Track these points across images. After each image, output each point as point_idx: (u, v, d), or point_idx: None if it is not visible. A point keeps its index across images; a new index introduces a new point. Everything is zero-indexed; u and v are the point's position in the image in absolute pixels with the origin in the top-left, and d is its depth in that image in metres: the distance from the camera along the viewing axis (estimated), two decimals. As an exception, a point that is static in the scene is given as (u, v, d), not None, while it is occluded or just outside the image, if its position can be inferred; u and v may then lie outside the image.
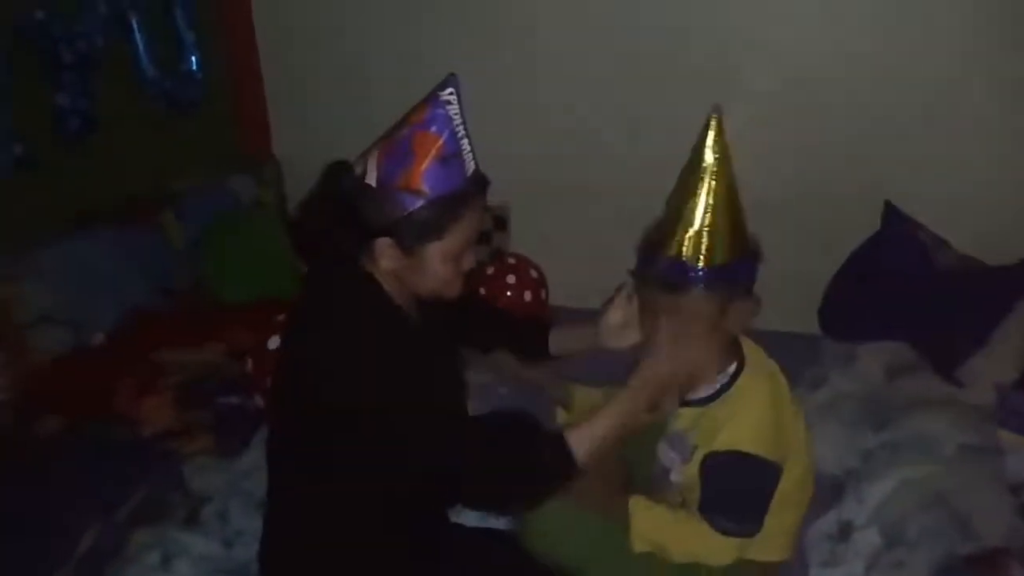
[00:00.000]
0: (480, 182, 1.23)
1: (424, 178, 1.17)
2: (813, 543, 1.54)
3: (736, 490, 1.31)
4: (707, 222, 1.25)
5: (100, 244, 2.15)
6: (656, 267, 1.29)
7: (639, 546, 1.33)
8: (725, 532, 1.29)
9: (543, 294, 2.45)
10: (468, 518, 1.57)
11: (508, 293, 2.39)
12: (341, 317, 1.23)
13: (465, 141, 1.20)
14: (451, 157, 1.18)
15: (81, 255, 2.10)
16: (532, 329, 1.57)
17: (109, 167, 2.23)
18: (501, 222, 2.61)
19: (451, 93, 1.18)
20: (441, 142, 1.17)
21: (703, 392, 1.37)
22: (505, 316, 1.63)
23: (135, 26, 2.24)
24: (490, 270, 2.44)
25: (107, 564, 1.56)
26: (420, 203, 1.17)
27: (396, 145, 1.19)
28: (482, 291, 2.42)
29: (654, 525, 1.34)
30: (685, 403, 1.37)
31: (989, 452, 1.54)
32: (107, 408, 1.92)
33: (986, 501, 1.46)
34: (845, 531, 1.54)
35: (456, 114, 1.18)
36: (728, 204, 1.26)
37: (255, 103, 2.70)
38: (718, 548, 1.31)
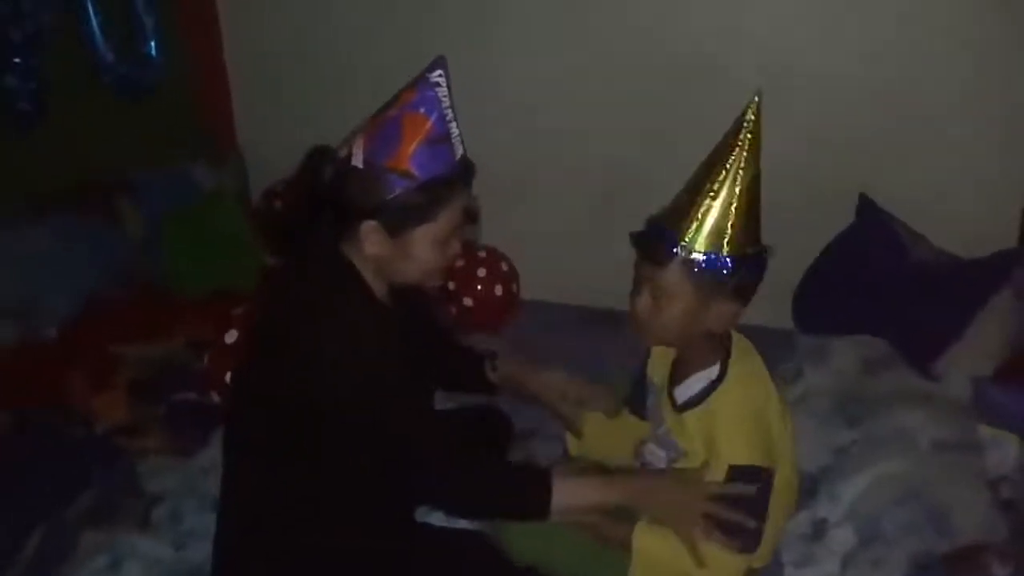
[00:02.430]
0: (468, 167, 1.21)
1: (412, 160, 1.14)
2: (786, 543, 1.50)
3: (737, 505, 1.25)
4: (709, 208, 1.20)
5: (51, 232, 2.07)
6: (647, 235, 1.26)
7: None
8: (725, 546, 1.25)
9: (514, 288, 2.41)
10: (434, 518, 1.52)
11: (479, 287, 2.35)
12: (320, 310, 1.18)
13: (453, 124, 1.18)
14: (440, 140, 1.16)
15: (31, 243, 2.03)
16: (469, 361, 1.56)
17: (62, 152, 2.15)
18: (471, 215, 2.56)
19: (440, 75, 1.17)
20: (430, 124, 1.15)
21: (686, 394, 1.33)
22: (454, 349, 1.60)
23: (90, 7, 2.15)
24: (460, 263, 2.39)
25: (54, 567, 1.50)
26: (408, 185, 1.15)
27: (384, 126, 1.17)
28: (452, 285, 2.37)
29: (661, 553, 1.28)
30: (679, 408, 1.34)
31: (965, 447, 1.51)
32: (58, 403, 1.86)
33: (963, 496, 1.43)
34: (819, 529, 1.50)
35: (445, 96, 1.17)
36: (746, 196, 1.21)
37: (217, 90, 2.63)
38: (728, 567, 1.26)
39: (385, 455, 1.22)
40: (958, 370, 1.73)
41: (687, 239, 1.21)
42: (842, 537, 1.44)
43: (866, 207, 2.13)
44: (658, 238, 1.23)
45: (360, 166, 1.16)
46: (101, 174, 2.27)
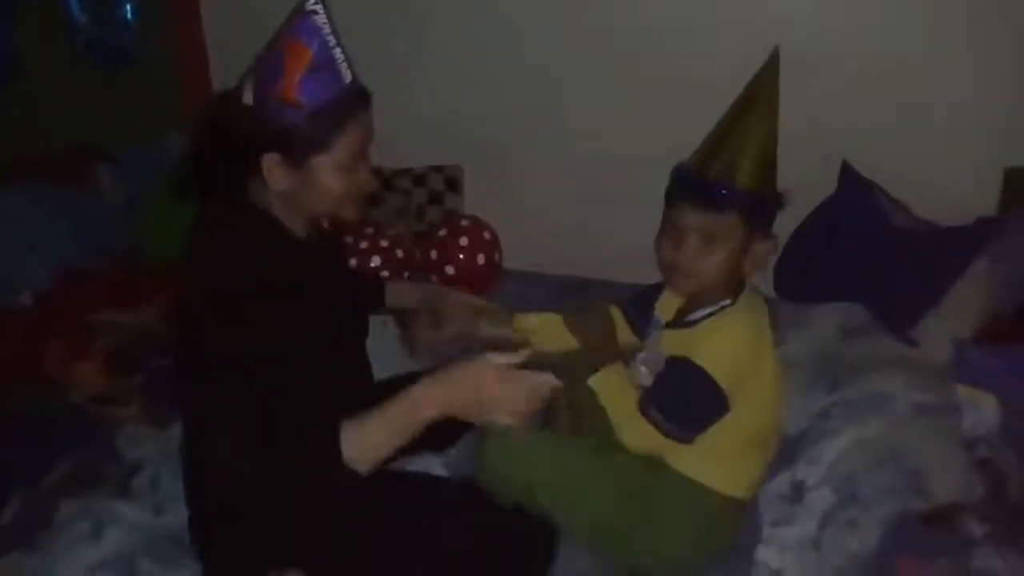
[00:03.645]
0: (358, 92, 1.22)
1: (299, 89, 1.15)
2: (766, 503, 1.52)
3: (679, 391, 1.35)
4: (752, 146, 1.30)
5: (27, 199, 2.05)
6: (695, 185, 1.32)
7: (593, 383, 1.41)
8: (651, 421, 1.34)
9: (496, 257, 2.40)
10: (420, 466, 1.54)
11: (461, 256, 2.34)
12: (222, 255, 1.18)
13: (338, 50, 1.18)
14: (324, 66, 1.17)
15: (5, 210, 1.99)
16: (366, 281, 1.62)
17: (37, 118, 2.12)
18: (454, 183, 2.54)
19: (316, 3, 1.16)
20: (312, 52, 1.15)
21: (692, 317, 1.41)
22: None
23: (63, -33, 2.12)
24: (442, 232, 2.38)
25: (33, 535, 1.48)
26: (298, 114, 1.16)
27: (268, 61, 1.17)
28: (434, 253, 2.36)
29: (608, 386, 1.40)
30: (679, 326, 1.44)
31: (943, 409, 1.53)
32: (34, 372, 1.84)
33: (940, 458, 1.45)
34: (798, 491, 1.51)
35: (324, 23, 1.17)
36: (770, 136, 1.33)
37: (196, 56, 2.57)
38: (639, 431, 1.36)
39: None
40: (937, 335, 1.74)
41: (738, 181, 1.29)
42: (820, 498, 1.46)
43: (848, 176, 2.13)
44: (712, 184, 1.30)
45: (251, 103, 1.17)
46: (79, 142, 2.24)
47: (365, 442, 1.15)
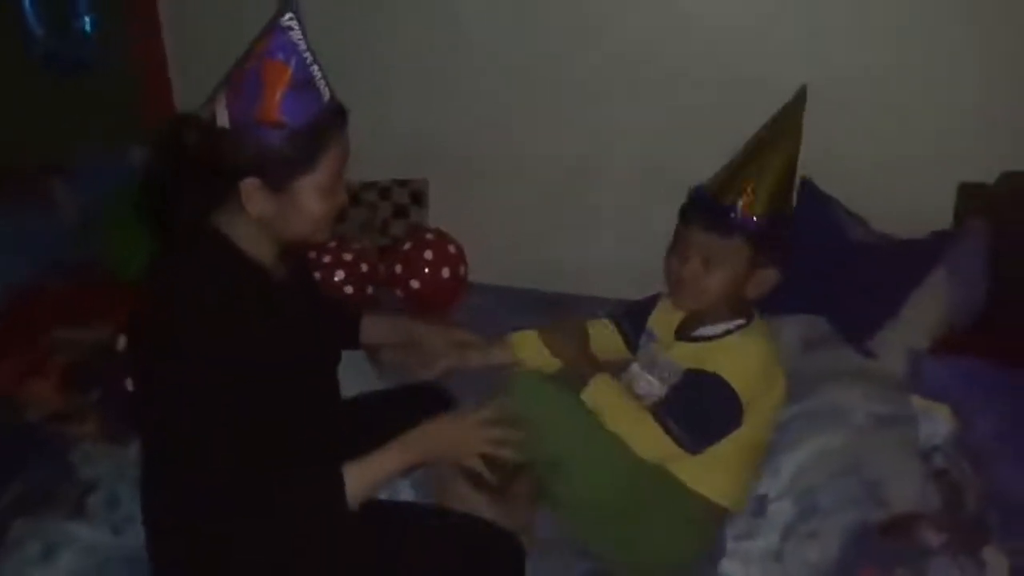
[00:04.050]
0: (337, 110, 1.18)
1: (281, 109, 1.10)
2: (730, 518, 1.53)
3: (699, 404, 1.40)
4: (769, 178, 1.37)
5: (-21, 214, 2.00)
6: (707, 207, 1.38)
7: (586, 398, 1.44)
8: (666, 429, 1.37)
9: (461, 271, 2.39)
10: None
11: (425, 270, 2.33)
12: (189, 289, 1.14)
13: (315, 67, 1.14)
14: (305, 84, 1.12)
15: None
16: (342, 318, 1.56)
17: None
18: (419, 197, 2.54)
19: (291, 18, 1.12)
20: (291, 69, 1.11)
21: (706, 332, 1.46)
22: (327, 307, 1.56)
23: (19, -21, 2.08)
24: (407, 246, 2.37)
25: (-18, 558, 1.44)
26: (281, 135, 1.11)
27: (243, 80, 1.11)
28: (399, 268, 2.35)
29: (607, 395, 1.44)
30: (690, 339, 1.48)
31: (900, 420, 1.55)
32: (-13, 391, 1.79)
33: (897, 468, 1.47)
34: (760, 504, 1.53)
35: (300, 39, 1.12)
36: (789, 170, 1.40)
37: (156, 68, 2.55)
38: (649, 438, 1.39)
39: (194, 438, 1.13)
40: (894, 347, 1.76)
41: (748, 207, 1.35)
42: (781, 510, 1.47)
43: (807, 191, 2.16)
44: (724, 208, 1.37)
45: (227, 126, 1.11)
46: (34, 156, 2.20)
47: (354, 485, 1.18)
